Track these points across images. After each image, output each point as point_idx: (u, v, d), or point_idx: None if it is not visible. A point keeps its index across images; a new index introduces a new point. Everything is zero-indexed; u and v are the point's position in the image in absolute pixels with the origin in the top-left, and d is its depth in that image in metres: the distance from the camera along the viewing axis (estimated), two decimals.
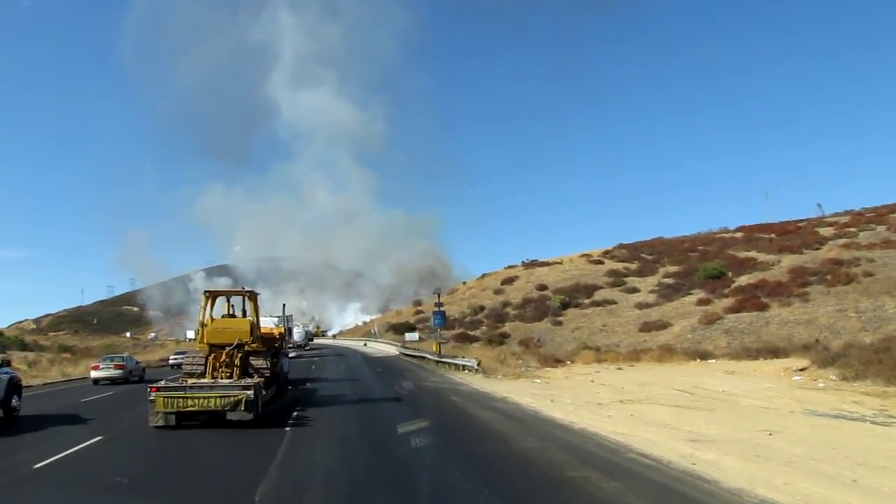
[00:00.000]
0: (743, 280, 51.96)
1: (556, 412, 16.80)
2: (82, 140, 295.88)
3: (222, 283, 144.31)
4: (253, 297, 19.46)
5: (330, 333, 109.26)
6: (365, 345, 69.76)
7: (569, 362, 33.37)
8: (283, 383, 22.60)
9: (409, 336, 54.64)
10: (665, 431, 13.65)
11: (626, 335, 48.24)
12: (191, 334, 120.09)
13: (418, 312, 74.26)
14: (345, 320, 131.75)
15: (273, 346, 20.56)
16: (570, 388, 23.39)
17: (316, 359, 51.39)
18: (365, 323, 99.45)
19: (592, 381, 25.54)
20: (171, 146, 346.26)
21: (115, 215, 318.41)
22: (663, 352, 33.39)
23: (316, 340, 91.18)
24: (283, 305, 48.53)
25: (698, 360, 32.63)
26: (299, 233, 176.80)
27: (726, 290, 50.28)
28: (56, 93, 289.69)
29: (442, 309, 43.14)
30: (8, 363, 18.71)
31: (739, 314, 43.69)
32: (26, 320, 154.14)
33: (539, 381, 26.77)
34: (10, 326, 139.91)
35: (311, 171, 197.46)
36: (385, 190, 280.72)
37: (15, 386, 17.01)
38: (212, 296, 19.03)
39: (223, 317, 18.98)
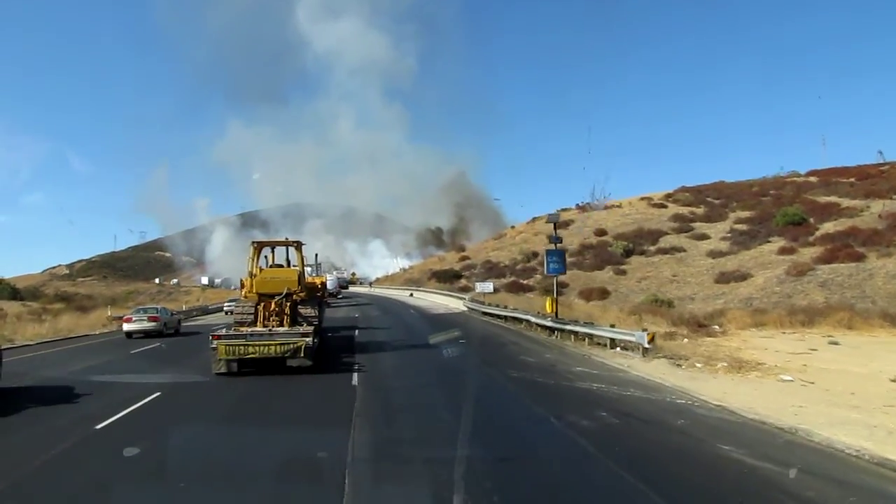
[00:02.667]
0: (829, 227, 46.96)
1: None
2: (108, 84, 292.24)
3: (232, 222, 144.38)
4: (299, 246, 19.80)
5: (367, 281, 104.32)
6: (411, 295, 61.72)
7: (716, 326, 24.90)
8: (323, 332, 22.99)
9: (480, 286, 41.80)
10: None
11: (699, 286, 43.84)
12: (204, 280, 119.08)
13: (463, 259, 68.06)
14: (372, 262, 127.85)
15: (316, 294, 21.26)
16: None
17: (356, 314, 40.28)
18: (403, 270, 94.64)
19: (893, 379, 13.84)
20: (197, 90, 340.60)
21: (143, 159, 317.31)
22: (851, 314, 25.62)
23: (351, 288, 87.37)
24: (316, 255, 45.32)
25: None
26: (325, 173, 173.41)
27: (811, 238, 45.50)
28: (80, 37, 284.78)
29: (559, 246, 25.95)
30: None
31: (833, 265, 38.91)
32: (59, 265, 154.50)
33: (788, 376, 14.63)
34: (43, 272, 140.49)
35: (338, 109, 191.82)
36: (415, 130, 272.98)
37: None
38: (259, 246, 19.18)
39: (271, 266, 19.57)
